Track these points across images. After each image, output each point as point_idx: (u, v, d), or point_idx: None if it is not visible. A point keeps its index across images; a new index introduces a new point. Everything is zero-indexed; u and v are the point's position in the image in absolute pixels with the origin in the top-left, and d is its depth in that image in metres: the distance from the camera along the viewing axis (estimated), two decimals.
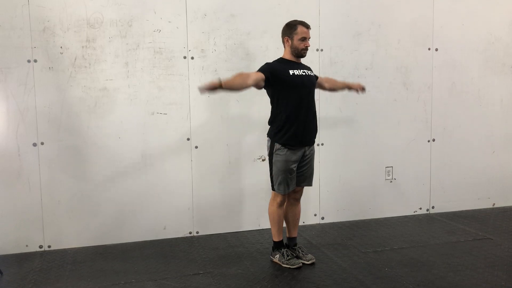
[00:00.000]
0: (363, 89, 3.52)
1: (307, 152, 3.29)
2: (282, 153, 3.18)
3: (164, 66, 3.84)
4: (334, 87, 3.56)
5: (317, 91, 3.51)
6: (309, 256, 3.36)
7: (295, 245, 3.42)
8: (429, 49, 4.44)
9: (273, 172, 3.24)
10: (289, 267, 3.26)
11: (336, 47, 4.18)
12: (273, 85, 3.15)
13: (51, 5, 3.58)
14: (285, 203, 3.39)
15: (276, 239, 3.37)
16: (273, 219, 3.34)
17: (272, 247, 3.42)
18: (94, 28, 3.68)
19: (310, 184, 3.41)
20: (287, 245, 3.44)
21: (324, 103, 4.20)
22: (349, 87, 3.55)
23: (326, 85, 3.52)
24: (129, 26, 3.74)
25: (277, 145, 3.20)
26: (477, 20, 4.53)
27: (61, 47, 3.63)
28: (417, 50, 4.41)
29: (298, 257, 3.35)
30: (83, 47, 3.67)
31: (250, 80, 3.00)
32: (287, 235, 3.47)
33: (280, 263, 3.31)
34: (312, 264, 3.31)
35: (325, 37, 4.15)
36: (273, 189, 3.30)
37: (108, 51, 3.72)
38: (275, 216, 3.33)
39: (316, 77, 3.42)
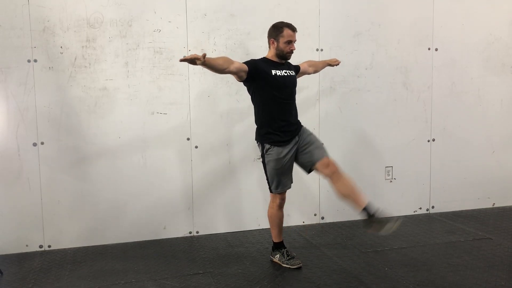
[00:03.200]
0: (337, 63, 3.81)
1: (300, 140, 3.21)
2: (272, 152, 3.17)
3: (164, 66, 3.84)
4: (317, 69, 3.76)
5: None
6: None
7: (373, 215, 2.96)
8: (429, 49, 4.44)
9: (268, 173, 3.24)
10: (289, 267, 3.25)
11: (336, 47, 4.18)
12: (254, 81, 3.14)
13: (51, 5, 3.58)
14: (332, 181, 3.11)
15: (276, 240, 3.37)
16: (273, 221, 3.34)
17: (272, 247, 3.42)
18: (94, 28, 3.68)
19: (326, 153, 3.16)
20: (370, 215, 2.99)
21: (324, 103, 4.20)
22: (329, 64, 3.80)
23: (311, 69, 3.64)
24: (129, 26, 3.74)
25: (266, 146, 3.20)
26: (477, 20, 4.53)
27: (61, 47, 3.63)
28: (417, 50, 4.41)
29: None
30: (83, 47, 3.67)
31: (232, 67, 3.00)
32: (359, 210, 3.03)
33: (280, 263, 3.31)
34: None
35: (325, 37, 4.15)
36: (270, 191, 3.29)
37: (108, 51, 3.72)
38: (275, 218, 3.32)
39: (297, 70, 3.44)
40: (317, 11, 4.12)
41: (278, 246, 3.36)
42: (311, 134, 3.29)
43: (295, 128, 3.25)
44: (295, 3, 4.05)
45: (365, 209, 3.00)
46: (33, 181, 3.66)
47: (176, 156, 3.93)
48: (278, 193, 3.26)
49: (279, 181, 3.22)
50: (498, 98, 4.68)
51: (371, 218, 2.96)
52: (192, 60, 2.78)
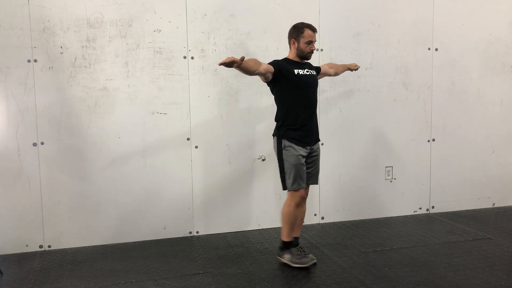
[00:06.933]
0: (356, 67, 3.87)
1: (314, 150, 3.33)
2: (290, 148, 3.20)
3: (164, 66, 3.84)
4: (338, 72, 3.80)
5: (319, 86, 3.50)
6: (311, 256, 3.34)
7: (297, 245, 3.41)
8: (429, 49, 4.44)
9: (285, 168, 3.21)
10: (300, 267, 3.23)
11: (336, 47, 4.18)
12: (278, 81, 3.20)
13: (51, 5, 3.58)
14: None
15: (286, 239, 3.32)
16: (288, 219, 3.27)
17: (280, 247, 3.36)
18: (94, 28, 3.68)
19: (316, 182, 3.41)
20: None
21: (324, 103, 4.20)
22: (349, 69, 3.85)
23: (331, 71, 3.70)
24: (129, 26, 3.74)
25: (285, 142, 3.21)
26: (477, 20, 4.53)
27: (61, 47, 3.63)
28: (417, 50, 4.41)
29: None
30: (83, 47, 3.67)
31: (261, 68, 3.08)
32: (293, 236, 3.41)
33: (290, 263, 3.27)
34: (314, 264, 3.31)
35: (325, 37, 4.15)
36: (286, 188, 3.24)
37: (108, 51, 3.72)
38: (291, 216, 3.26)
39: (318, 70, 3.49)
40: (317, 11, 4.12)
41: (287, 246, 3.32)
42: (319, 155, 3.39)
43: (315, 137, 3.34)
44: (295, 3, 4.05)
45: (294, 239, 3.36)
46: (33, 181, 3.66)
47: (176, 156, 3.92)
48: (294, 190, 3.21)
49: (295, 177, 3.19)
50: (498, 98, 4.68)
51: (293, 248, 3.32)
52: (229, 63, 2.85)
